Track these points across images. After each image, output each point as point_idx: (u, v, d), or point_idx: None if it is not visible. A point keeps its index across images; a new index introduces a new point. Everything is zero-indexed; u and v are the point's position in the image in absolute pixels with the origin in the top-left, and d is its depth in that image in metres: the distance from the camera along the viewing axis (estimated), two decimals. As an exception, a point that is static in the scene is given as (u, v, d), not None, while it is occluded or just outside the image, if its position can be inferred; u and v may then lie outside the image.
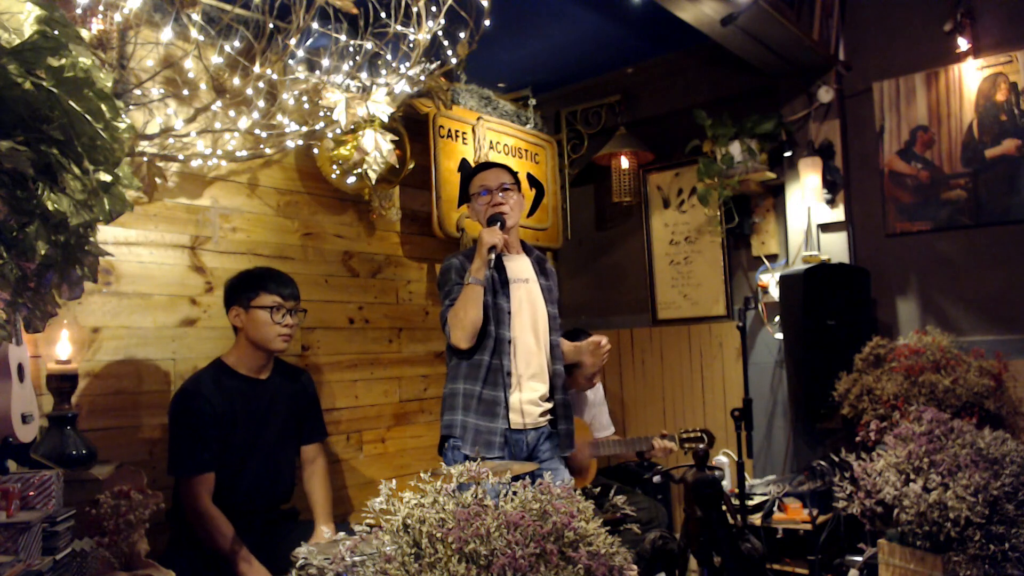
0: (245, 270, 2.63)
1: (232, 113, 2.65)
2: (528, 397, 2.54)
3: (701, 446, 3.32)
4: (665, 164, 4.37)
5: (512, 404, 2.49)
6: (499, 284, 2.55)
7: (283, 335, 2.54)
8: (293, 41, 2.49)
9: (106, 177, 1.43)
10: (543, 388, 2.60)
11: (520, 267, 2.65)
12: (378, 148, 3.02)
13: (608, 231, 4.66)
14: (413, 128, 3.54)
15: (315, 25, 2.57)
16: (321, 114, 2.81)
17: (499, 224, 2.51)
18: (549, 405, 2.61)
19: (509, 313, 2.54)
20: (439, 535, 1.30)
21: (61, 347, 2.26)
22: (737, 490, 3.20)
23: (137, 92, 2.50)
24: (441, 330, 2.56)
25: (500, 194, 2.58)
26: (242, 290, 2.54)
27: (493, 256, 2.45)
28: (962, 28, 3.42)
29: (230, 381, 2.51)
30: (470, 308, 2.43)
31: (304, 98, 2.80)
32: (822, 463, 3.37)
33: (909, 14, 3.61)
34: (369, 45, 2.73)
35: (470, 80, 3.98)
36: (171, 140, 2.60)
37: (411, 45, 2.75)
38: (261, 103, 2.64)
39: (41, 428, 2.16)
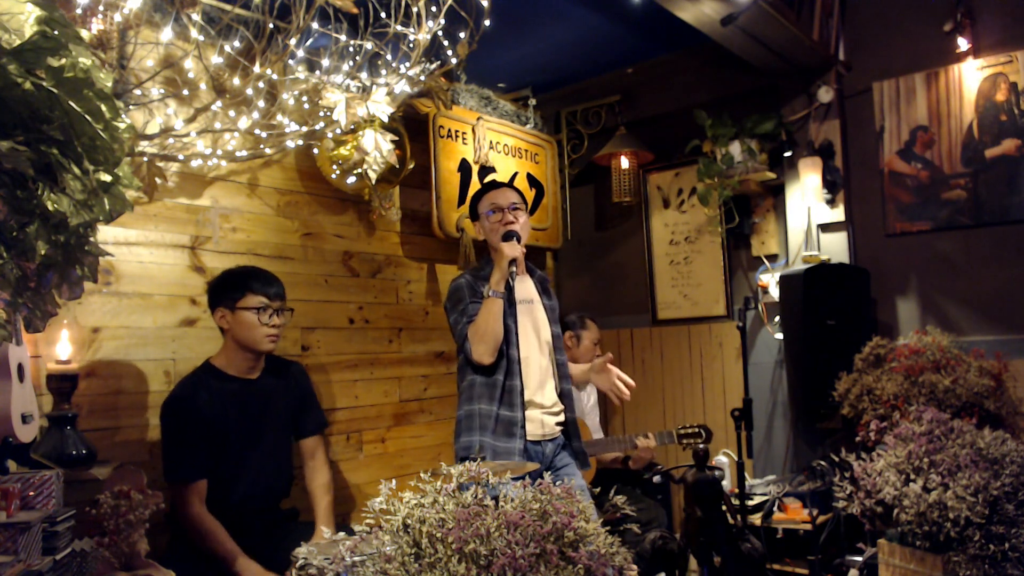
0: (228, 270, 2.58)
1: (232, 113, 2.65)
2: (541, 410, 2.60)
3: (699, 441, 3.34)
4: (665, 164, 4.37)
5: (528, 420, 2.55)
6: (506, 304, 2.58)
7: (270, 335, 2.50)
8: (293, 41, 2.49)
9: (106, 177, 1.43)
10: (554, 402, 2.67)
11: (525, 288, 2.71)
12: (378, 148, 3.02)
13: (608, 231, 4.66)
14: (413, 128, 3.53)
15: (315, 25, 2.57)
16: (321, 114, 2.81)
17: (515, 239, 2.56)
18: (561, 417, 2.68)
19: (516, 333, 2.58)
20: (439, 535, 1.29)
21: (61, 347, 2.26)
22: (737, 490, 3.20)
23: (137, 92, 2.50)
24: (454, 339, 2.60)
25: (510, 213, 2.64)
26: (227, 291, 2.50)
27: (514, 269, 2.50)
28: (962, 28, 3.42)
29: (221, 384, 2.48)
30: (492, 321, 2.47)
31: (304, 98, 2.80)
32: (822, 463, 3.37)
33: (909, 14, 3.61)
34: (369, 45, 2.73)
35: (470, 80, 3.97)
36: (171, 140, 2.60)
37: (411, 45, 2.75)
38: (261, 103, 2.64)
39: (41, 428, 2.16)
